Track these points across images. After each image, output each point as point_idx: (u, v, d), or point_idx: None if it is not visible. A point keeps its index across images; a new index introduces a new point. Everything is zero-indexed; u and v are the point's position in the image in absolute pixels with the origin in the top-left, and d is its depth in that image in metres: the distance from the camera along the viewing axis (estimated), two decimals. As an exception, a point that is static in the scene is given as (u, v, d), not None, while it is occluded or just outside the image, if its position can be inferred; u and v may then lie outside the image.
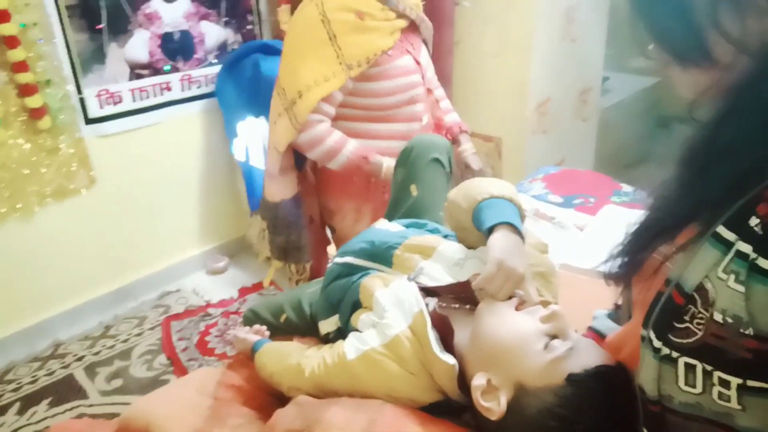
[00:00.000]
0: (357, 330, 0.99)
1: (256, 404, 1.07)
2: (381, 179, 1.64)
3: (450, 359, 0.84)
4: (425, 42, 1.80)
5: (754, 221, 0.51)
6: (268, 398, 1.08)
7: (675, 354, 0.57)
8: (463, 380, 0.84)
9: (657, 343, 0.59)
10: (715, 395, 0.54)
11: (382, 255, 1.08)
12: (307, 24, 1.58)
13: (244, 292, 2.76)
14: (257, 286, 2.79)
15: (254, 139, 2.70)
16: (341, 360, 0.91)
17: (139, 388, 2.14)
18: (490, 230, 0.95)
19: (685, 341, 0.56)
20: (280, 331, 1.26)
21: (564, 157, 2.90)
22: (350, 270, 1.10)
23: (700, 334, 0.54)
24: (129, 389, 2.15)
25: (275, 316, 1.29)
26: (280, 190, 1.81)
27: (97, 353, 2.36)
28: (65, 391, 2.16)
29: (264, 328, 1.22)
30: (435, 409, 0.87)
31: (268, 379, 1.05)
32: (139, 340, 2.44)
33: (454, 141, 1.96)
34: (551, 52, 2.60)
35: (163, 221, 2.74)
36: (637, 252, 0.66)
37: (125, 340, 2.44)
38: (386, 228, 1.18)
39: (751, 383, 0.51)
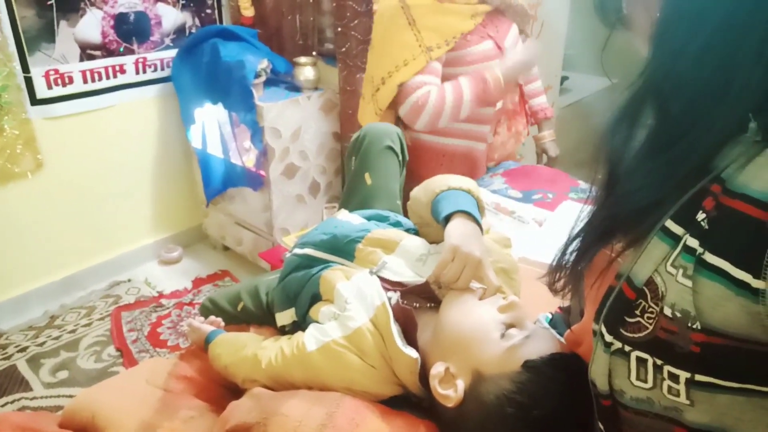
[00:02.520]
0: (317, 322, 0.97)
1: (208, 396, 1.03)
2: (495, 90, 1.65)
3: (413, 353, 0.84)
4: (520, 27, 1.83)
5: (700, 216, 0.52)
6: (222, 390, 1.05)
7: (627, 348, 0.57)
8: (424, 374, 0.84)
9: (608, 338, 0.59)
10: (665, 390, 0.54)
11: (344, 248, 1.07)
12: (388, 14, 1.67)
13: (198, 283, 2.69)
14: (212, 277, 2.73)
15: (212, 127, 2.63)
16: (300, 351, 0.89)
17: (87, 380, 2.07)
18: (447, 219, 0.95)
19: (636, 335, 0.56)
20: (238, 320, 1.23)
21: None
22: (309, 262, 1.08)
23: (650, 328, 0.55)
24: (76, 381, 2.08)
25: (233, 305, 1.26)
26: None
27: (41, 344, 2.27)
28: (6, 383, 2.06)
29: (219, 319, 1.19)
30: (394, 403, 0.86)
31: (223, 371, 1.02)
32: (87, 330, 2.35)
33: (537, 125, 2.01)
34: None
35: (114, 209, 2.65)
36: (588, 247, 0.67)
37: (72, 331, 2.35)
38: (347, 220, 1.16)
39: (699, 377, 0.52)
